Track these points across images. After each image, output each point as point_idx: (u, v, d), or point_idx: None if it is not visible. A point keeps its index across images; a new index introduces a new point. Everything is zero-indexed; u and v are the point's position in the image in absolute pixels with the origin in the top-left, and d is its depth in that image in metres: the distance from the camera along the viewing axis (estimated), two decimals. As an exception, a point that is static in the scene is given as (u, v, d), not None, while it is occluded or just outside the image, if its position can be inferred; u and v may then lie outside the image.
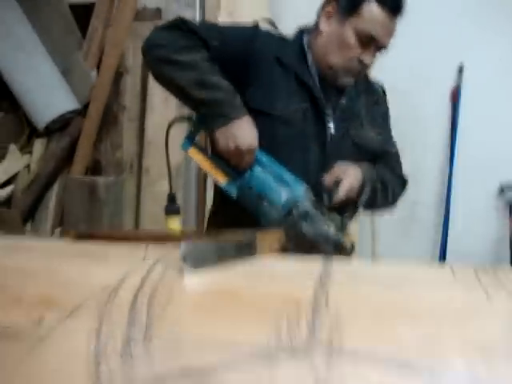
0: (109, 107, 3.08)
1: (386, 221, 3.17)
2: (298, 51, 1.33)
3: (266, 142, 1.21)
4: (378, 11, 1.22)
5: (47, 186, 3.03)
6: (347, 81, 1.32)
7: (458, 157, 3.11)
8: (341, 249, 1.12)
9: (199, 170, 3.10)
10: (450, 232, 3.16)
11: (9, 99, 3.05)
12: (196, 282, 0.85)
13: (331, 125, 1.31)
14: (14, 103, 3.03)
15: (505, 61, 3.00)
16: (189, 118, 1.37)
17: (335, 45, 1.27)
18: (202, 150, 1.26)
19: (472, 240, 3.16)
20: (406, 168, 3.12)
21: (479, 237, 3.17)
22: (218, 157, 1.20)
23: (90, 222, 2.86)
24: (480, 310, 0.63)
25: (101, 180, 2.86)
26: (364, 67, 1.30)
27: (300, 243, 1.11)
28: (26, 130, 3.07)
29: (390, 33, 1.26)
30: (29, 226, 3.00)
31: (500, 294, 0.64)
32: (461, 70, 3.04)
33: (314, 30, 1.35)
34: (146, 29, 3.16)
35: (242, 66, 1.28)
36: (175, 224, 1.25)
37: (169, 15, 3.25)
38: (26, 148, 3.06)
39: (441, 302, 0.65)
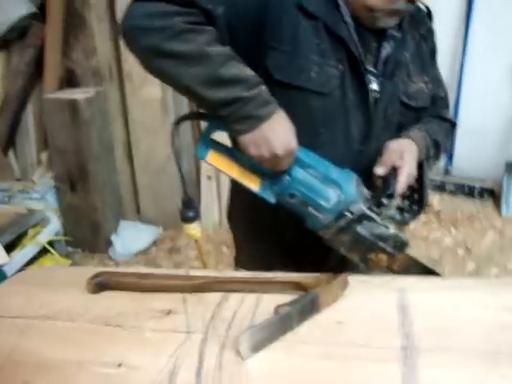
0: (71, 7, 2.62)
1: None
2: None
3: (297, 119, 0.94)
4: None
5: (20, 106, 2.72)
6: (391, 23, 1.01)
7: (473, 35, 2.80)
8: (402, 246, 0.96)
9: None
10: (460, 110, 2.98)
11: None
12: (261, 369, 0.73)
13: (374, 85, 1.03)
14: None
15: None
16: (201, 115, 1.04)
17: None
18: (224, 151, 0.97)
19: (483, 117, 3.01)
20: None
21: (490, 114, 3.01)
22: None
23: (77, 144, 2.62)
24: None
25: (80, 97, 2.55)
26: (413, 4, 0.98)
27: (355, 247, 0.97)
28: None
29: None
30: (12, 155, 2.76)
31: None
32: None
33: None
34: None
35: (258, 27, 0.96)
36: (195, 230, 1.05)
37: None
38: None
39: None
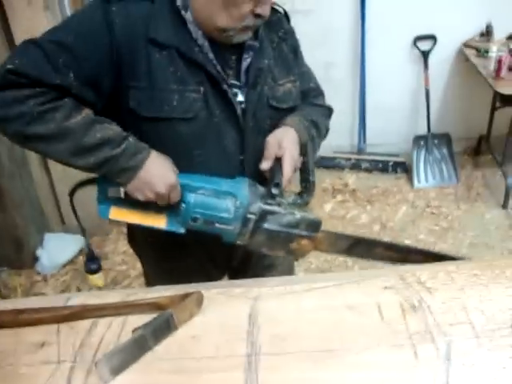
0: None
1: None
2: (172, 18, 1.00)
3: (170, 147, 1.01)
4: None
5: None
6: (245, 37, 1.03)
7: (369, 11, 2.90)
8: (315, 226, 1.02)
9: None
10: (367, 90, 3.10)
11: None
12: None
13: (240, 96, 1.06)
14: None
15: None
16: (92, 181, 1.06)
17: (219, 3, 0.96)
18: (122, 203, 1.02)
19: (390, 95, 3.15)
20: (316, 30, 2.96)
21: (396, 91, 3.15)
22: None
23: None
24: None
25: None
26: (262, 19, 1.00)
27: (274, 243, 1.02)
28: None
29: None
30: None
31: None
32: None
33: None
34: None
35: (116, 71, 0.97)
36: (98, 281, 1.12)
37: None
38: None
39: None
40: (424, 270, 0.94)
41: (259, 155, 1.07)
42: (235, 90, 1.06)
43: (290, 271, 1.39)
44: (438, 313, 0.81)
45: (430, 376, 0.72)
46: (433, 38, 2.97)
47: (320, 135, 1.21)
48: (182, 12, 1.00)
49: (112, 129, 0.96)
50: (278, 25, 1.16)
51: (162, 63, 0.99)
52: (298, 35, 2.91)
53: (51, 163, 2.84)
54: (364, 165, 3.20)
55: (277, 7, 1.20)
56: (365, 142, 3.25)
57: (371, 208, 2.88)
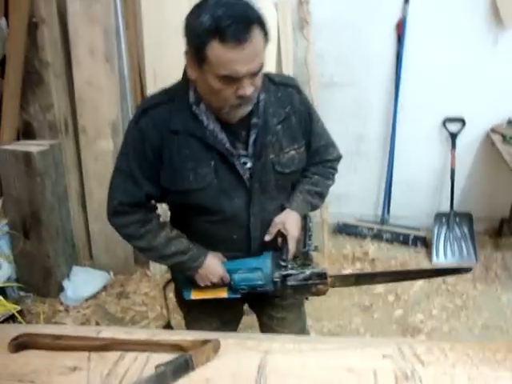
0: (29, 64, 2.80)
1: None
2: (187, 111, 1.26)
3: (194, 209, 1.34)
4: (223, 51, 1.09)
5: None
6: (242, 112, 1.24)
7: (403, 90, 3.07)
8: (323, 275, 1.33)
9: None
10: (395, 164, 3.23)
11: None
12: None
13: (249, 164, 1.31)
14: None
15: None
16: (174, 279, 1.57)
17: (208, 90, 1.19)
18: (198, 287, 1.42)
19: (416, 171, 3.26)
20: (351, 103, 3.14)
21: (423, 167, 3.27)
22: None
23: (31, 193, 2.75)
24: None
25: (35, 150, 2.70)
26: (246, 98, 1.19)
27: (298, 292, 1.38)
28: None
29: (252, 57, 1.12)
30: (-34, 202, 2.86)
31: None
32: (407, 1, 2.88)
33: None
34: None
35: (159, 158, 1.30)
36: None
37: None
38: None
39: None
40: (421, 345, 1.02)
41: (264, 212, 1.37)
42: (244, 160, 1.31)
43: (301, 329, 1.66)
44: (429, 384, 0.90)
45: None
46: (462, 121, 3.11)
47: (323, 200, 1.54)
48: (194, 107, 1.26)
49: (182, 242, 1.38)
50: (286, 101, 1.36)
51: (180, 148, 1.27)
52: (334, 107, 3.18)
53: (89, 202, 3.04)
54: (385, 235, 3.29)
55: (290, 81, 1.42)
56: (388, 213, 3.35)
57: (388, 278, 2.93)
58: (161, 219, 1.43)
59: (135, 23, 2.85)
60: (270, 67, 2.96)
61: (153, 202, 1.42)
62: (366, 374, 0.93)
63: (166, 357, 0.97)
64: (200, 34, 1.11)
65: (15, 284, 2.82)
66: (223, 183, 1.29)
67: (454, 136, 3.11)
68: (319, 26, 2.98)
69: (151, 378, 0.90)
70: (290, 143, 1.36)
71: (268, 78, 1.33)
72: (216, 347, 0.98)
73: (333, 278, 1.35)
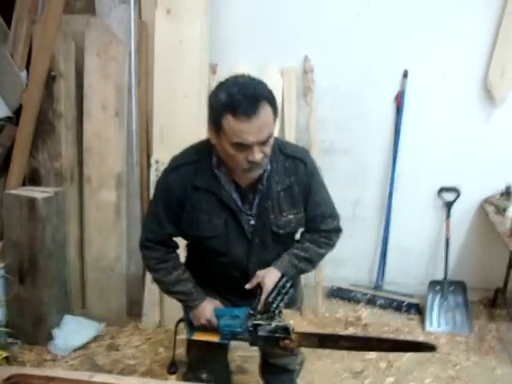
0: (43, 114, 2.91)
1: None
2: (210, 172, 1.51)
3: (205, 251, 1.59)
4: (235, 123, 1.31)
5: (-18, 199, 2.90)
6: (253, 175, 1.46)
7: (401, 159, 3.18)
8: (286, 330, 1.50)
9: (141, 179, 3.05)
10: (390, 231, 3.29)
11: None
12: None
13: (252, 221, 1.55)
14: None
15: (447, 68, 3.02)
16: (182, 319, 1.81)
17: (224, 154, 1.42)
18: (200, 329, 1.68)
19: (411, 238, 3.32)
20: (350, 169, 3.24)
21: (418, 234, 3.32)
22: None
23: (31, 239, 2.79)
24: None
25: (39, 196, 2.76)
26: (256, 163, 1.39)
27: (269, 344, 1.55)
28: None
29: (260, 129, 1.32)
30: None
31: None
32: (405, 75, 3.05)
33: None
34: (77, 24, 2.98)
35: (182, 208, 1.55)
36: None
37: (101, 7, 3.05)
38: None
39: None
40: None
41: (261, 260, 1.59)
42: (249, 217, 1.55)
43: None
44: None
45: None
46: (456, 191, 3.19)
47: (313, 265, 1.70)
48: (215, 170, 1.51)
49: (187, 285, 1.65)
50: (291, 171, 1.57)
51: (199, 201, 1.52)
52: (334, 172, 3.28)
53: (87, 250, 3.06)
54: (379, 301, 3.29)
55: (299, 154, 1.61)
56: (383, 279, 3.37)
57: (381, 344, 2.91)
58: (178, 259, 1.69)
59: (146, 81, 3.00)
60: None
61: (174, 239, 1.67)
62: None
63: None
64: (217, 108, 1.34)
65: (4, 329, 2.79)
66: (230, 233, 1.53)
67: (449, 205, 3.19)
68: (322, 93, 3.13)
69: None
70: (290, 208, 1.56)
71: (280, 148, 1.54)
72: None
73: (297, 334, 1.49)
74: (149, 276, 3.00)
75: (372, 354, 2.79)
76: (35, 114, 2.88)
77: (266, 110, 1.33)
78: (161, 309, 2.99)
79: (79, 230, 3.09)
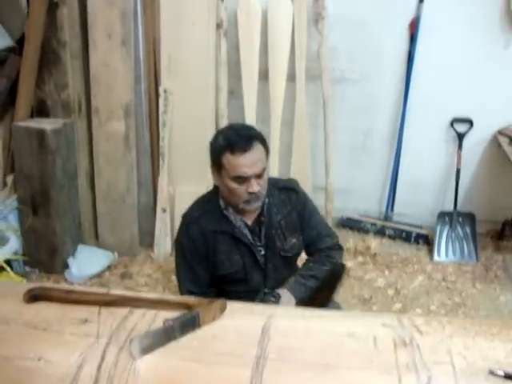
0: (47, 44, 2.84)
1: (339, 151, 3.25)
2: (220, 214, 1.65)
3: (230, 287, 1.70)
4: (233, 158, 1.50)
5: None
6: (254, 206, 1.61)
7: (413, 89, 3.10)
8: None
9: (150, 110, 3.02)
10: (401, 162, 3.26)
11: None
12: (146, 367, 0.93)
13: (262, 251, 1.69)
14: None
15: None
16: None
17: (227, 191, 1.58)
18: None
19: (422, 170, 3.29)
20: (360, 99, 3.17)
21: (428, 166, 3.29)
22: None
23: (42, 171, 2.80)
24: None
25: (48, 127, 2.74)
26: (255, 194, 1.56)
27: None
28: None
29: (255, 162, 1.51)
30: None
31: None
32: (421, 1, 2.91)
33: None
34: None
35: (207, 252, 1.66)
36: None
37: None
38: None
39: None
40: (420, 318, 1.06)
41: (277, 284, 1.69)
42: (259, 248, 1.70)
43: None
44: (425, 351, 0.94)
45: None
46: (469, 121, 3.13)
47: (318, 280, 1.73)
48: (224, 212, 1.66)
49: None
50: (286, 201, 1.74)
51: (218, 244, 1.65)
52: (344, 101, 3.23)
53: (98, 182, 3.08)
54: (388, 232, 3.31)
55: (290, 185, 1.78)
56: (392, 210, 3.38)
57: (389, 273, 2.97)
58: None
59: (152, 7, 2.89)
60: (283, 59, 3.00)
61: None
62: (366, 339, 0.97)
63: (173, 315, 1.01)
64: (218, 149, 1.55)
65: (22, 257, 2.87)
66: (247, 266, 1.68)
67: (461, 136, 3.14)
68: (333, 21, 3.01)
69: (159, 331, 0.94)
70: (292, 233, 1.73)
71: (272, 184, 1.69)
72: (222, 307, 1.02)
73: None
74: (160, 204, 3.04)
75: (380, 283, 2.85)
76: (39, 44, 2.81)
77: (258, 147, 1.54)
78: (172, 238, 3.03)
79: (90, 161, 3.09)
